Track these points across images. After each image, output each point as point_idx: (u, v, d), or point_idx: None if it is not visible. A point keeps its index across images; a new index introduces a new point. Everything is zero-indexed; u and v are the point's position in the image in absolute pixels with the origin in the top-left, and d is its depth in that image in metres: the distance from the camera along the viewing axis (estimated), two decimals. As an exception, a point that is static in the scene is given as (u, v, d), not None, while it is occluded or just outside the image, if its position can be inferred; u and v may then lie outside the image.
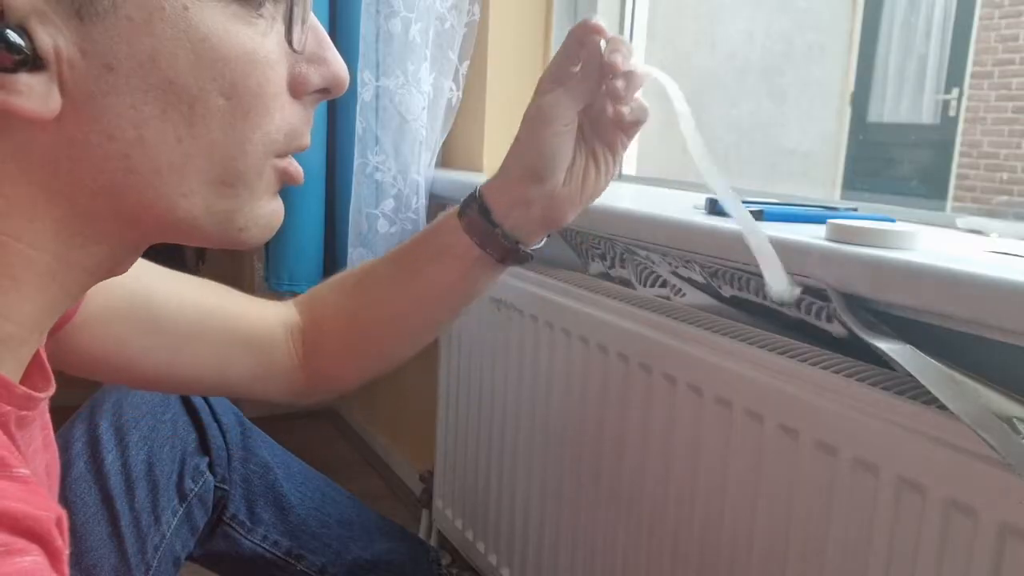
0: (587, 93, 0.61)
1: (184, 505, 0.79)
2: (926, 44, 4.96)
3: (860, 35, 5.10)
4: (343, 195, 1.25)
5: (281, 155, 0.40)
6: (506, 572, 1.06)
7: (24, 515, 0.31)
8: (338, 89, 0.41)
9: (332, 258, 1.33)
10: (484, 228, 0.64)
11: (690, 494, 0.74)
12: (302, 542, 0.87)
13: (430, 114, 1.16)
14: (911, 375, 0.59)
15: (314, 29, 0.40)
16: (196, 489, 0.80)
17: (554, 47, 1.24)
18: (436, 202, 1.20)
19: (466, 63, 1.19)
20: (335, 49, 0.41)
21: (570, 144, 0.63)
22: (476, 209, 0.65)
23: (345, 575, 0.89)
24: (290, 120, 0.40)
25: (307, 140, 0.41)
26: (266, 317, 0.69)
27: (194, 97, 0.35)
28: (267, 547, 0.85)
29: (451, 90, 1.19)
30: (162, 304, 0.62)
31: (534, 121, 0.62)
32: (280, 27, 0.38)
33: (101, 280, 0.41)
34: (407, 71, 1.12)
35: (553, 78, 0.62)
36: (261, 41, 0.37)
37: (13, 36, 0.32)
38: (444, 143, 1.22)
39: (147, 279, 0.62)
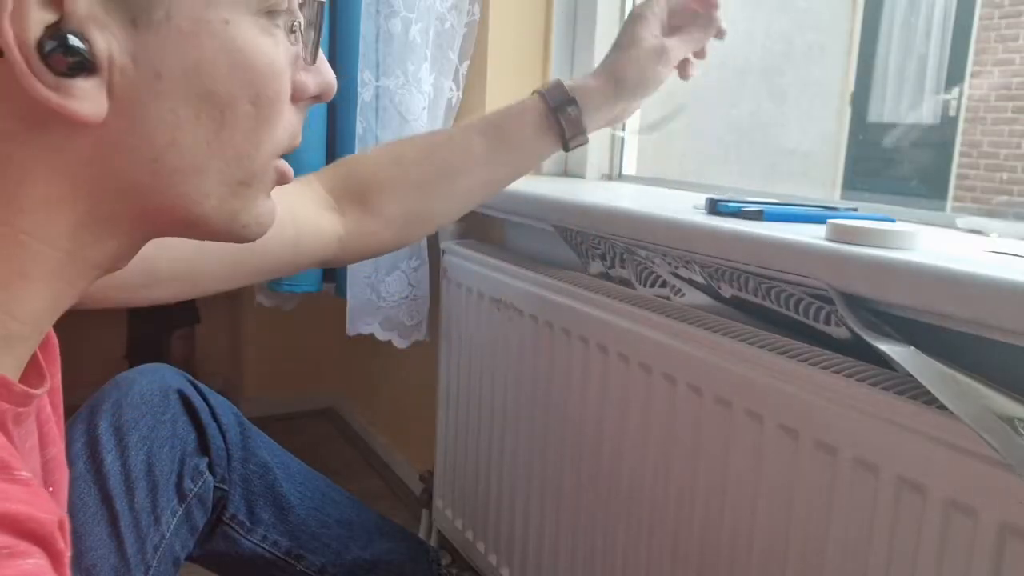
0: (700, 43, 0.80)
1: (184, 505, 0.79)
2: (926, 44, 4.96)
3: (860, 35, 5.10)
4: (343, 195, 1.24)
5: (283, 154, 0.43)
6: (506, 572, 1.06)
7: (27, 517, 0.31)
8: (327, 95, 0.45)
9: (332, 258, 1.32)
10: (576, 127, 0.79)
11: (690, 494, 0.74)
12: (302, 542, 0.87)
13: (430, 114, 1.16)
14: (912, 376, 0.59)
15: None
16: (196, 489, 0.80)
17: (554, 47, 1.24)
18: (436, 202, 1.20)
19: (466, 63, 1.19)
20: (325, 59, 0.45)
21: None
22: (575, 112, 0.78)
23: (345, 575, 0.89)
24: (291, 122, 0.43)
25: (299, 140, 0.44)
26: (285, 199, 0.69)
27: (226, 104, 0.38)
28: (267, 547, 0.85)
29: (451, 90, 1.19)
30: None
31: (654, 57, 0.78)
32: (283, 37, 0.40)
33: (106, 274, 0.42)
34: (407, 71, 1.12)
35: (671, 22, 0.79)
36: (278, 52, 0.40)
37: (74, 40, 0.33)
38: (444, 143, 1.22)
39: None
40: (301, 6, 0.41)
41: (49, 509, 0.33)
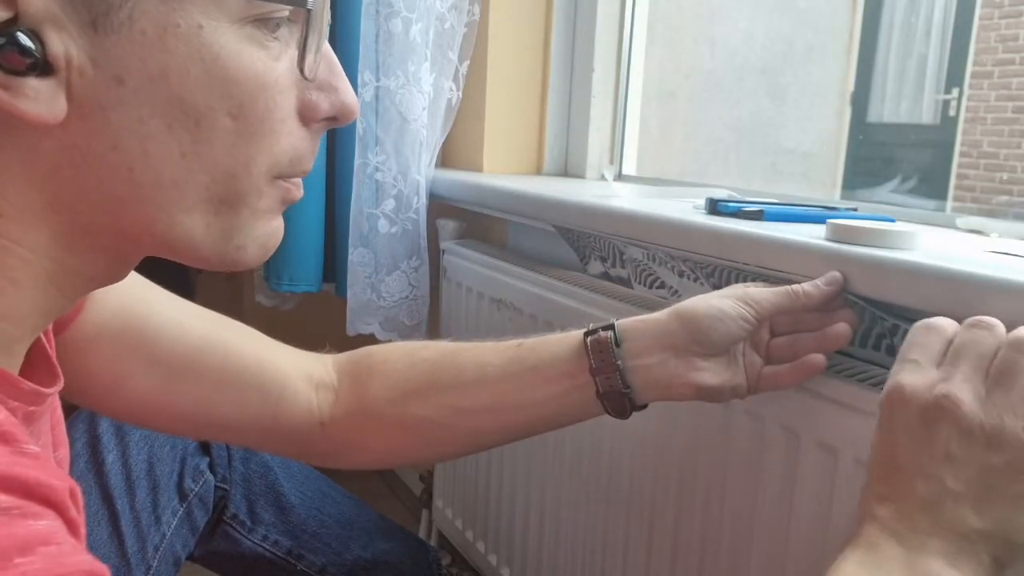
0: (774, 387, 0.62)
1: (184, 505, 0.79)
2: (926, 44, 4.96)
3: (860, 35, 5.10)
4: (343, 195, 1.25)
5: (284, 177, 0.40)
6: (506, 572, 1.06)
7: (38, 482, 0.31)
8: (346, 118, 0.41)
9: (332, 258, 1.33)
10: (604, 354, 0.60)
11: (689, 493, 0.74)
12: (302, 542, 0.87)
13: (430, 114, 1.16)
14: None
15: (327, 57, 0.40)
16: (196, 489, 0.80)
17: (554, 47, 1.24)
18: (436, 202, 1.20)
19: (466, 63, 1.19)
20: (346, 78, 0.41)
21: None
22: (607, 336, 0.60)
23: (345, 575, 0.89)
24: (296, 145, 0.40)
25: (310, 165, 0.41)
26: (280, 364, 0.64)
27: (201, 115, 0.35)
28: (267, 547, 0.85)
29: (451, 90, 1.19)
30: (159, 329, 0.59)
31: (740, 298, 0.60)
32: (293, 52, 0.38)
33: (99, 287, 0.41)
34: (407, 71, 1.12)
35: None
36: (272, 65, 0.37)
37: (24, 39, 0.32)
38: (444, 143, 1.22)
39: (149, 304, 0.59)
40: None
41: (59, 476, 0.32)
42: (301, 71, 0.38)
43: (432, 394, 0.64)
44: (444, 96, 1.18)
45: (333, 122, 0.41)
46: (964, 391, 0.44)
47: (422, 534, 1.31)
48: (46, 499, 0.31)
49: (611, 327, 0.61)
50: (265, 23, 0.36)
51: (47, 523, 0.30)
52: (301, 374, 0.65)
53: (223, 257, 0.40)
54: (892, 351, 0.63)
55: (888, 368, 0.62)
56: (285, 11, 0.37)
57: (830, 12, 5.09)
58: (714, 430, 0.71)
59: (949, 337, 0.48)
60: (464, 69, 1.19)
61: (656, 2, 1.26)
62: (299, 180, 0.41)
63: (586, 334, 0.61)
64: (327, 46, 0.40)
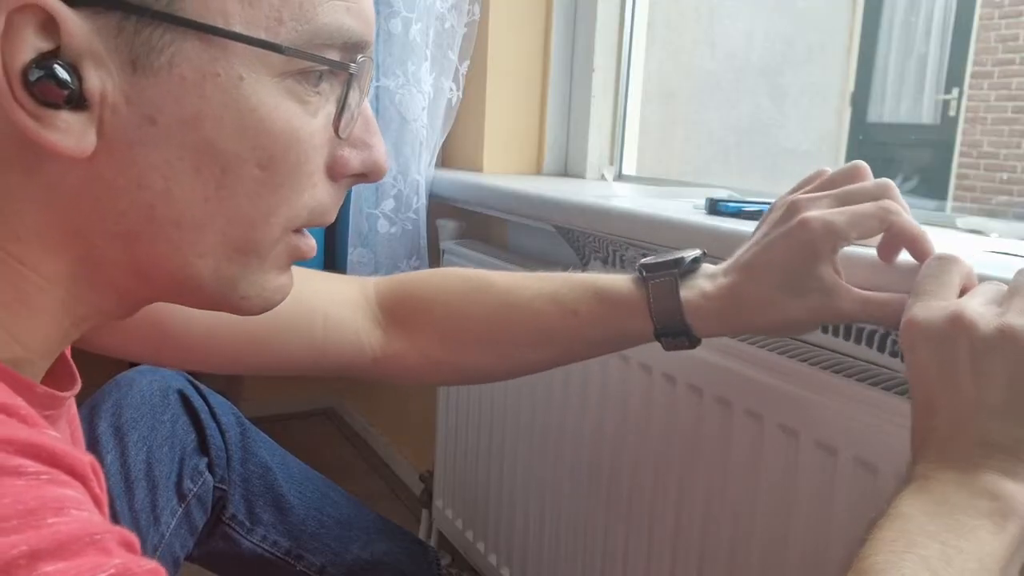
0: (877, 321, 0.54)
1: (183, 505, 0.79)
2: (926, 44, 4.96)
3: (860, 35, 5.10)
4: (343, 195, 1.25)
5: (300, 229, 0.40)
6: (506, 572, 1.06)
7: (64, 452, 0.31)
8: (375, 176, 0.41)
9: (332, 258, 1.33)
10: (682, 345, 0.59)
11: (690, 494, 0.74)
12: (301, 542, 0.87)
13: (430, 114, 1.16)
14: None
15: (364, 115, 0.40)
16: (195, 489, 0.80)
17: (554, 47, 1.24)
18: (436, 202, 1.20)
19: (466, 63, 1.19)
20: (380, 136, 0.41)
21: None
22: (686, 341, 0.58)
23: (344, 575, 0.89)
24: (320, 199, 0.40)
25: (332, 218, 0.41)
26: (317, 303, 0.64)
27: (229, 162, 0.36)
28: (266, 547, 0.85)
29: (451, 90, 1.19)
30: None
31: (818, 313, 0.54)
32: (331, 108, 0.38)
33: (109, 320, 0.41)
34: (407, 71, 1.12)
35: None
36: (308, 120, 0.37)
37: (62, 72, 0.32)
38: (444, 143, 1.22)
39: None
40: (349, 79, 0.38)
41: (81, 452, 0.32)
42: (336, 130, 0.38)
43: (488, 347, 0.65)
44: (444, 96, 1.18)
45: (362, 178, 0.41)
46: (977, 308, 0.44)
47: (422, 534, 1.31)
48: (72, 469, 0.31)
49: (685, 328, 0.58)
50: (307, 77, 0.36)
51: (73, 493, 0.30)
52: (345, 310, 0.65)
53: (226, 303, 0.40)
54: (891, 350, 0.62)
55: (888, 368, 0.62)
56: (325, 66, 0.37)
57: (830, 12, 5.09)
58: (714, 431, 0.71)
59: (963, 268, 0.48)
60: (464, 69, 1.19)
61: (656, 2, 1.26)
62: (312, 242, 0.41)
63: (659, 336, 0.59)
64: (365, 104, 0.40)
